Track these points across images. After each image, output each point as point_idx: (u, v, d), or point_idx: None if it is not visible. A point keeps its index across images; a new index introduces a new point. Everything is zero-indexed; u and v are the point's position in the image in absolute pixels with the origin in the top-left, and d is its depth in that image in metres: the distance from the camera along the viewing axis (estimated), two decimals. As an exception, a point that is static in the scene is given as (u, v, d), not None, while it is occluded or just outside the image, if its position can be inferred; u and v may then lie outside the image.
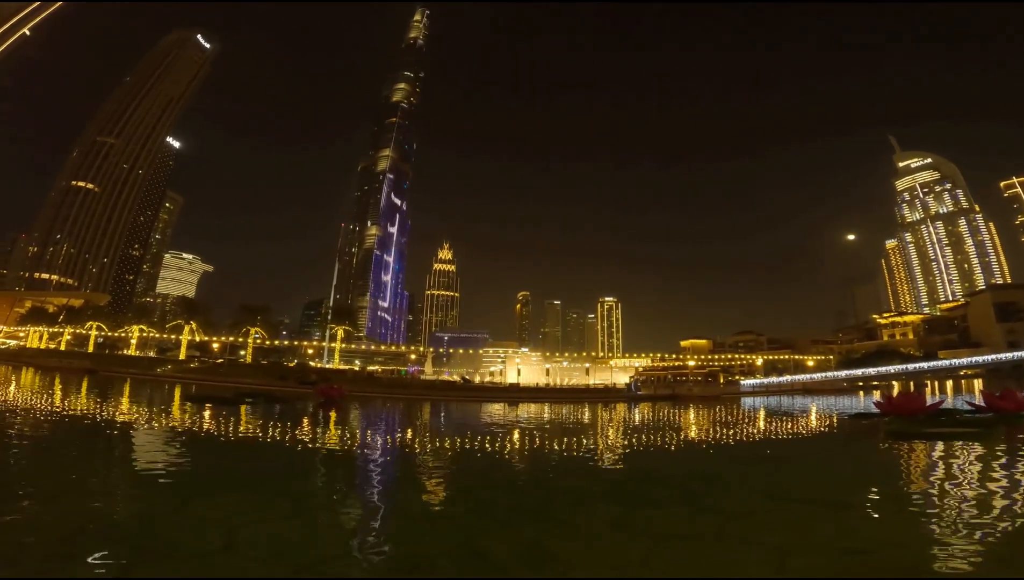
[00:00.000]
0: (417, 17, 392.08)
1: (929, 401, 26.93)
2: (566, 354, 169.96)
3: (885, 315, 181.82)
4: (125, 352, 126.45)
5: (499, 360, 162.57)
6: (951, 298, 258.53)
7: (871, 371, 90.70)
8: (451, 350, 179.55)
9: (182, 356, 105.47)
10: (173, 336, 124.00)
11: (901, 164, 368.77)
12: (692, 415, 36.44)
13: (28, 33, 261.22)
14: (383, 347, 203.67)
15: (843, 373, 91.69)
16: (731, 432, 25.34)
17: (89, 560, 6.32)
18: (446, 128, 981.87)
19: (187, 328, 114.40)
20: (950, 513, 9.06)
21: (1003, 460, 14.78)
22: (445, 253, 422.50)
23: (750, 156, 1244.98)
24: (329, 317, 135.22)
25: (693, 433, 25.64)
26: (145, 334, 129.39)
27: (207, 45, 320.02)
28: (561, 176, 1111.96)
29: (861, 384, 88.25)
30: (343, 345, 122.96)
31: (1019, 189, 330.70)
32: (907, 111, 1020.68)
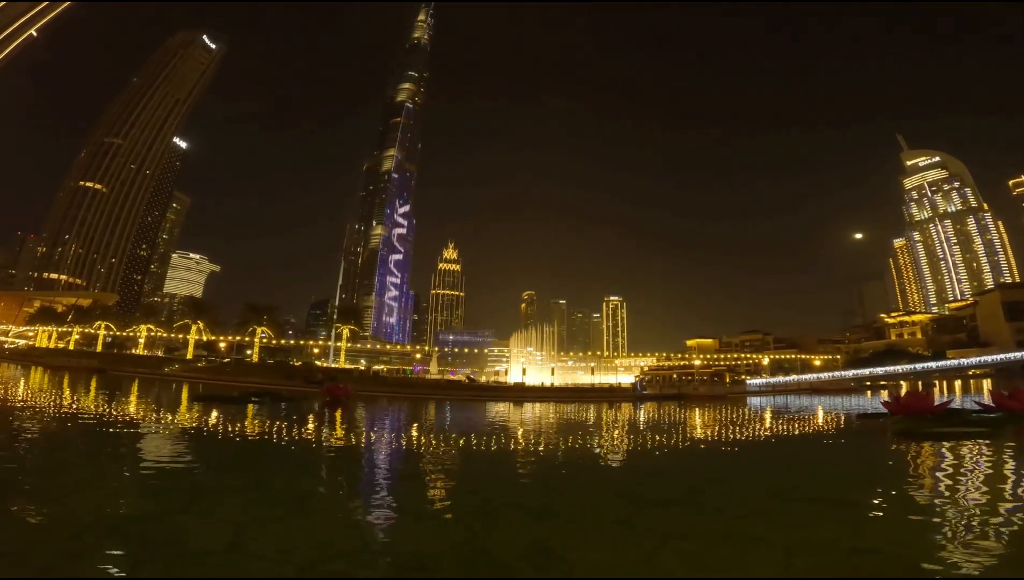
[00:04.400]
0: (421, 17, 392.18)
1: (937, 401, 26.76)
2: (571, 354, 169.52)
3: (893, 314, 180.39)
4: (133, 352, 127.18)
5: (504, 359, 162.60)
6: (960, 297, 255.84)
7: (879, 371, 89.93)
8: (456, 349, 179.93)
9: (189, 355, 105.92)
10: (180, 335, 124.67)
11: (909, 162, 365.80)
12: (698, 415, 36.32)
13: (35, 34, 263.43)
14: (388, 346, 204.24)
15: (850, 373, 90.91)
16: (737, 432, 25.24)
17: (97, 558, 6.38)
18: (451, 127, 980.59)
19: (194, 328, 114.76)
20: (958, 513, 8.99)
21: (1012, 460, 14.66)
22: (450, 253, 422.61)
23: (757, 138, 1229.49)
24: (335, 317, 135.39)
25: (699, 433, 25.56)
26: (153, 334, 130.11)
27: (213, 45, 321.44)
28: (566, 173, 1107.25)
29: (869, 384, 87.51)
30: (349, 344, 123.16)
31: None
32: (914, 106, 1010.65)
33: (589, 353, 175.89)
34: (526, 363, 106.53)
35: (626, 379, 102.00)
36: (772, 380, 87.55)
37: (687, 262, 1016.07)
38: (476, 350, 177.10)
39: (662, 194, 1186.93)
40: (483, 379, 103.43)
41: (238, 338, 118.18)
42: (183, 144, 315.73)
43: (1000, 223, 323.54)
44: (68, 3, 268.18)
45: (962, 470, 13.61)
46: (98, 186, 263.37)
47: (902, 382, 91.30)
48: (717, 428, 27.29)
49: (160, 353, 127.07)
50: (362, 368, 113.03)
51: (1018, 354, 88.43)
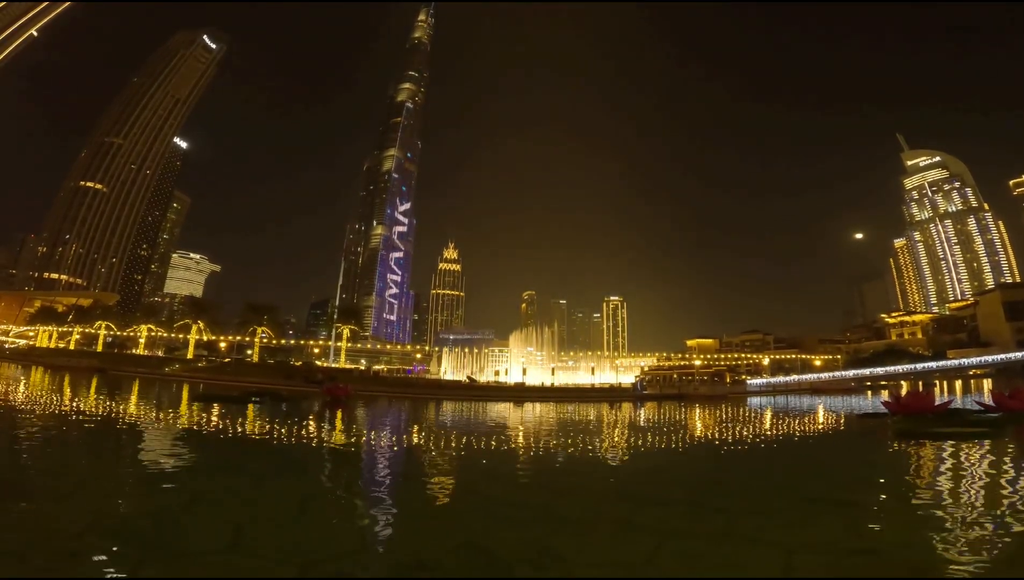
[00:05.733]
0: (422, 17, 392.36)
1: (938, 401, 26.76)
2: (572, 354, 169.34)
3: (894, 314, 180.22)
4: (134, 351, 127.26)
5: (504, 359, 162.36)
6: (960, 297, 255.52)
7: (879, 371, 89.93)
8: (456, 349, 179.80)
9: (190, 355, 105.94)
10: (181, 335, 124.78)
11: (909, 162, 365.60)
12: (698, 415, 36.32)
13: (36, 34, 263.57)
14: (389, 346, 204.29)
15: (851, 372, 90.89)
16: (737, 432, 25.23)
17: (98, 558, 6.37)
18: (452, 127, 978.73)
19: (195, 327, 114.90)
20: (958, 513, 8.98)
21: (1012, 460, 14.65)
22: (450, 253, 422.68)
23: (761, 113, 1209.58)
24: (335, 316, 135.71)
25: (699, 433, 25.56)
26: (153, 333, 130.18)
27: (213, 45, 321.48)
28: (566, 172, 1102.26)
29: (869, 384, 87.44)
30: (349, 344, 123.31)
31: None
32: (915, 103, 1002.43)
33: (589, 353, 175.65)
34: (526, 363, 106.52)
35: (626, 379, 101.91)
36: (772, 380, 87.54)
37: (687, 261, 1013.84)
38: (476, 349, 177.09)
39: (663, 193, 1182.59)
40: (483, 379, 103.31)
41: (238, 338, 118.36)
42: (183, 144, 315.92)
43: (1001, 223, 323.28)
44: (68, 3, 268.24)
45: (963, 470, 13.60)
46: (98, 186, 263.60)
47: (903, 382, 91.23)
48: (717, 428, 27.29)
49: (160, 353, 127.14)
50: (362, 368, 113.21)
51: (1018, 354, 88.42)
